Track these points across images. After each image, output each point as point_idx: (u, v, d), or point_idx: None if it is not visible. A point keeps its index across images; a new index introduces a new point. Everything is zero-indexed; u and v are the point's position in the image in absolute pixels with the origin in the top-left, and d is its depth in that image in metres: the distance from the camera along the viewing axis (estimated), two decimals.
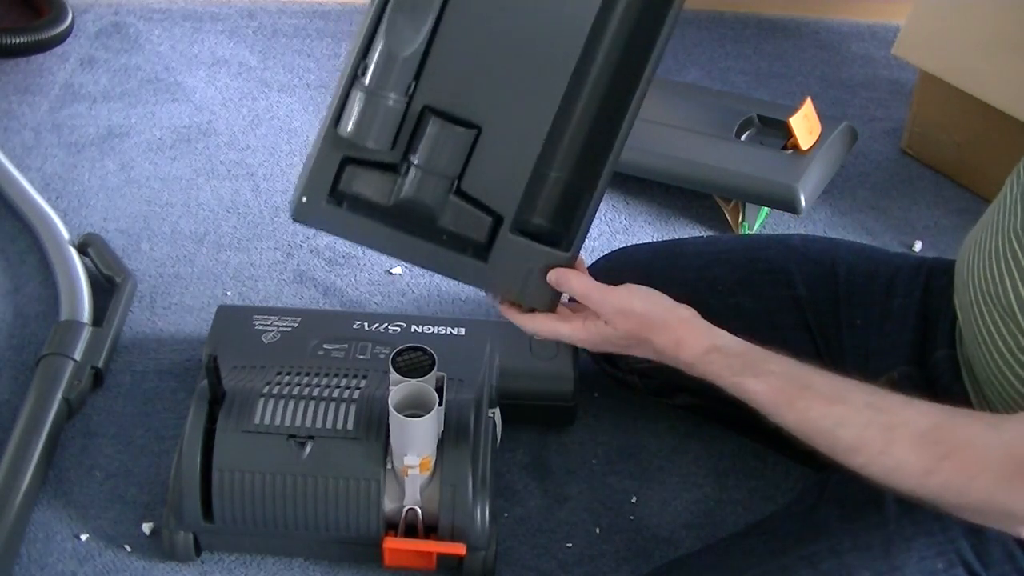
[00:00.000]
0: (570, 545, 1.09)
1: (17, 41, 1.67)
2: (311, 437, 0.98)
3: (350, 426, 0.99)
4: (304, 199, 0.85)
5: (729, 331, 1.08)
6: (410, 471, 0.96)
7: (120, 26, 1.85)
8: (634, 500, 1.14)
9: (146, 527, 1.08)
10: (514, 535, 1.09)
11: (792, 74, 1.82)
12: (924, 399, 0.93)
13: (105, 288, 1.32)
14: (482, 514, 0.99)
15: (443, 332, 1.17)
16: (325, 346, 1.14)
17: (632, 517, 1.12)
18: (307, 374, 1.06)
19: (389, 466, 0.98)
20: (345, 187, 0.85)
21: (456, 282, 1.39)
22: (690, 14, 1.94)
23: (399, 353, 0.98)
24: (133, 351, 1.27)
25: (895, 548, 0.83)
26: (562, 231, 0.90)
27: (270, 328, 1.16)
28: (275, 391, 1.02)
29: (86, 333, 1.23)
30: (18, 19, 1.74)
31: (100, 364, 1.21)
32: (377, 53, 0.81)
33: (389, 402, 0.94)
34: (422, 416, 0.93)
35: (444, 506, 0.98)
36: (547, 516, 1.12)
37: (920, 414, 0.75)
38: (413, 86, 0.82)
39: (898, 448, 0.74)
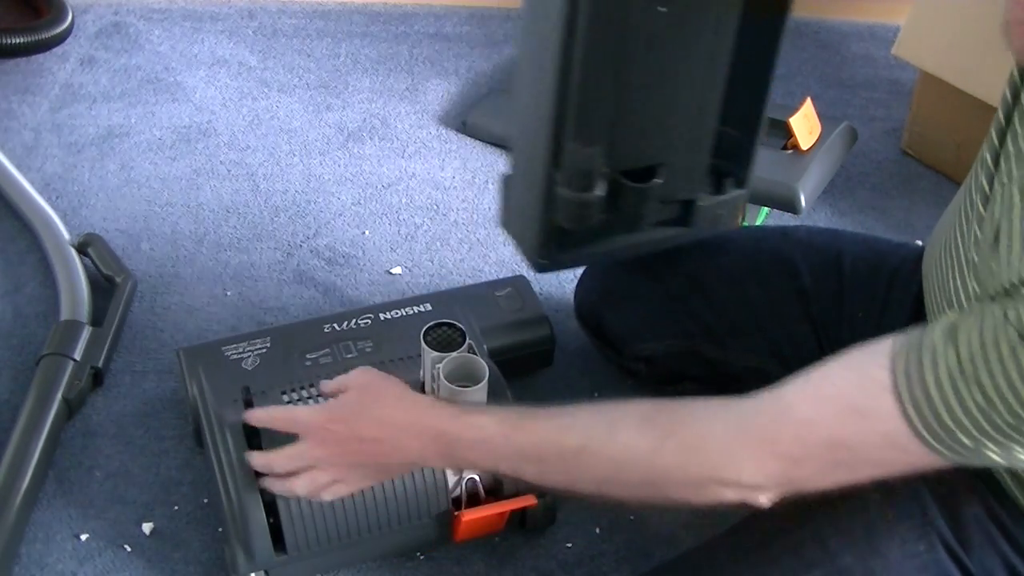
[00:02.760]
0: (570, 545, 1.09)
1: (17, 41, 1.67)
2: None
3: None
4: (540, 259, 1.01)
5: (734, 320, 1.09)
6: None
7: (120, 26, 1.85)
8: None
9: (146, 527, 1.08)
10: (514, 535, 1.09)
11: (792, 74, 1.82)
12: None
13: (105, 288, 1.32)
14: None
15: (411, 312, 1.18)
16: (309, 356, 1.12)
17: (632, 517, 1.12)
18: (311, 385, 1.05)
19: None
20: (569, 238, 1.00)
21: (453, 278, 1.39)
22: None
23: (427, 332, 0.99)
24: (133, 351, 1.27)
25: (877, 533, 0.83)
26: (737, 173, 1.03)
27: (245, 354, 1.12)
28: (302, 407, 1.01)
29: (86, 333, 1.23)
30: (18, 19, 1.75)
31: (100, 364, 1.21)
32: (570, 166, 0.90)
33: (441, 377, 0.94)
34: (476, 386, 0.94)
35: None
36: None
37: (642, 403, 0.77)
38: (606, 170, 0.93)
39: (623, 434, 0.76)
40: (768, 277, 1.09)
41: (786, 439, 0.71)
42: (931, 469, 0.70)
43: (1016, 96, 0.78)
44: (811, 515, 0.87)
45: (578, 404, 0.81)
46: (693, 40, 0.90)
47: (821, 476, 0.72)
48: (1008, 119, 0.78)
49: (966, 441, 0.66)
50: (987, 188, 0.79)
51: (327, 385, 0.97)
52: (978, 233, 0.78)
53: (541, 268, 1.03)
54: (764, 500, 0.74)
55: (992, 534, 0.81)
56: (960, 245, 0.83)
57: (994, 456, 0.66)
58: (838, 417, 0.70)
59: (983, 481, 0.82)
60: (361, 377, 0.93)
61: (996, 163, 0.78)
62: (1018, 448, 0.65)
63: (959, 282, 0.82)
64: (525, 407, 0.84)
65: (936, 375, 0.66)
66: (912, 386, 0.67)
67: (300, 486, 0.92)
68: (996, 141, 0.79)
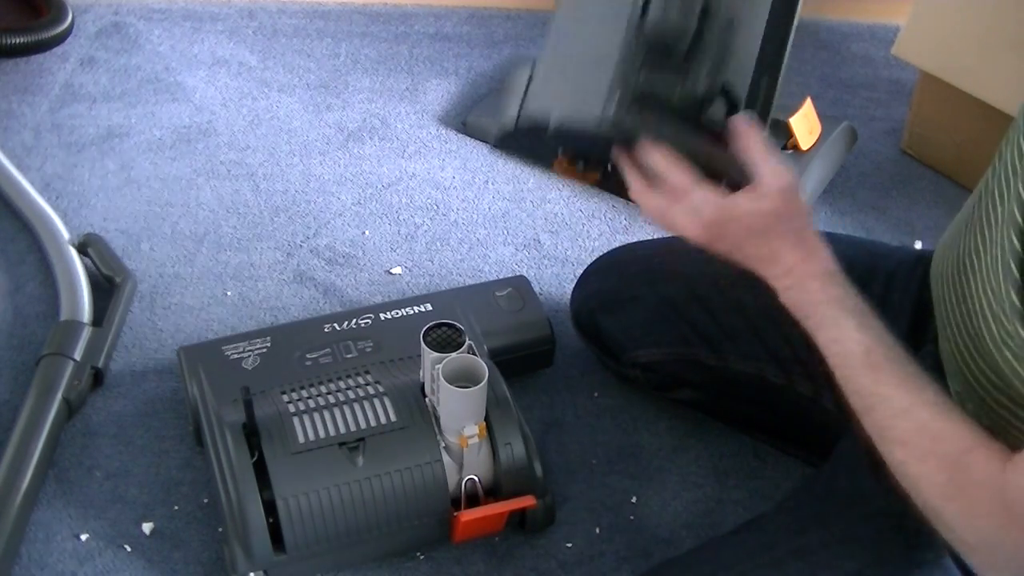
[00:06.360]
0: (570, 545, 1.09)
1: (17, 41, 1.67)
2: (361, 439, 0.98)
3: (394, 417, 1.00)
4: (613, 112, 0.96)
5: (731, 326, 1.08)
6: (470, 441, 0.98)
7: (120, 26, 1.85)
8: (634, 500, 1.14)
9: (146, 527, 1.08)
10: (514, 535, 1.09)
11: (792, 74, 1.81)
12: None
13: (105, 288, 1.32)
14: (537, 461, 1.02)
15: (411, 312, 1.18)
16: (309, 356, 1.12)
17: (632, 517, 1.12)
18: (312, 385, 1.05)
19: (443, 444, 0.99)
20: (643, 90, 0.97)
21: (453, 278, 1.39)
22: None
23: (427, 332, 0.99)
24: (133, 351, 1.27)
25: (884, 540, 0.83)
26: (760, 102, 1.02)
27: (245, 354, 1.12)
28: (302, 407, 1.01)
29: (86, 333, 1.23)
30: (18, 19, 1.74)
31: (100, 364, 1.21)
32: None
33: (441, 377, 0.95)
34: (476, 386, 0.95)
35: (503, 465, 1.00)
36: None
37: (960, 435, 0.73)
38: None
39: (930, 464, 0.73)
40: (764, 282, 1.09)
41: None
42: None
43: None
44: (819, 519, 0.87)
45: (927, 380, 0.76)
46: None
47: None
48: None
49: None
50: None
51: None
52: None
53: (614, 123, 0.97)
54: None
55: None
56: (990, 277, 0.80)
57: None
58: None
59: None
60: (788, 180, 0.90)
61: None
62: None
63: (1004, 329, 0.78)
64: (890, 341, 0.79)
65: None
66: None
67: (679, 211, 0.90)
68: None
